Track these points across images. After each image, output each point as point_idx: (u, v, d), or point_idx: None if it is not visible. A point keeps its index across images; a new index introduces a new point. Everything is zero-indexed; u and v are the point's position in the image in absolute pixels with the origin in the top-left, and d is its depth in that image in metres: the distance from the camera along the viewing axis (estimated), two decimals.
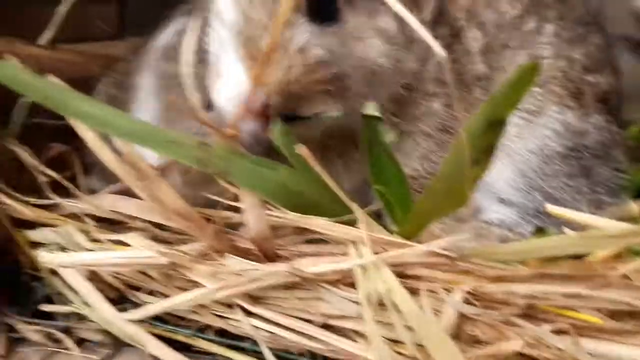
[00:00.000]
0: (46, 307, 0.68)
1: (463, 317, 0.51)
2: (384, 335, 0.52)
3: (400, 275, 0.52)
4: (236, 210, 0.62)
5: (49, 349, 0.66)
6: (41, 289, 0.70)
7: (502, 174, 0.70)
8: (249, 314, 0.59)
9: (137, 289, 0.64)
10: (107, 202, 0.64)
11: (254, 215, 0.58)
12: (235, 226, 0.65)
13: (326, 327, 0.57)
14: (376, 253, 0.53)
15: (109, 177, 0.82)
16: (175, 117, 0.68)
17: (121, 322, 0.62)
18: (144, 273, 0.62)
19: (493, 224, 0.69)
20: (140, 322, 0.62)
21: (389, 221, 0.62)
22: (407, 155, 0.67)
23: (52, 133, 0.76)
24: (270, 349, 0.58)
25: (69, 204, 0.65)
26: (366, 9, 0.64)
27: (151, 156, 0.61)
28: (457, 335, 0.51)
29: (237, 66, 0.59)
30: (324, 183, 0.58)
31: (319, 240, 0.61)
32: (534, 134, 0.71)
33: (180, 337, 0.63)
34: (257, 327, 0.58)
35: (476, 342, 0.50)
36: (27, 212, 0.66)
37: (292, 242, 0.62)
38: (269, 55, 0.56)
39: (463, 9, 0.70)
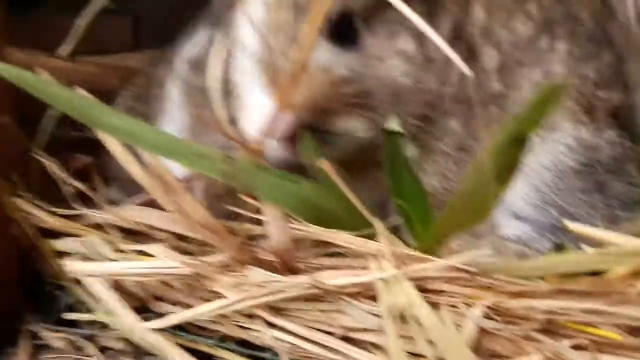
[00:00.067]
0: (70, 315, 0.69)
1: (483, 332, 0.52)
2: (404, 348, 0.53)
3: (421, 289, 0.53)
4: (257, 222, 0.63)
5: (72, 356, 0.67)
6: (64, 298, 0.71)
7: (516, 189, 0.71)
8: (270, 325, 0.60)
9: (160, 298, 0.65)
10: (132, 213, 0.66)
11: (276, 228, 0.59)
12: (255, 238, 0.66)
13: (346, 339, 0.58)
14: (397, 267, 0.54)
15: (127, 188, 0.83)
16: (202, 129, 0.70)
17: (144, 331, 0.63)
18: (166, 283, 0.63)
19: (509, 240, 0.70)
20: (162, 331, 0.63)
21: (407, 235, 0.63)
22: (424, 172, 0.68)
23: (70, 144, 0.78)
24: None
25: (94, 215, 0.66)
26: (385, 31, 0.65)
27: (176, 168, 0.62)
28: (477, 349, 0.51)
29: (262, 94, 0.61)
30: (345, 197, 0.59)
31: (338, 253, 0.62)
32: (547, 150, 0.72)
33: (201, 347, 0.64)
34: (278, 338, 0.59)
35: (496, 356, 0.51)
36: (53, 222, 0.68)
37: (312, 255, 0.63)
38: (294, 78, 0.57)
39: (478, 28, 0.71)
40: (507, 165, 0.50)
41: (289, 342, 0.59)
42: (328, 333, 0.58)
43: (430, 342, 0.51)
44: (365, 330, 0.57)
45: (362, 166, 0.68)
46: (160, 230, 0.65)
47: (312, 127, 0.61)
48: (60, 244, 0.69)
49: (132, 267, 0.61)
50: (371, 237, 0.59)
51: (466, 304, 0.53)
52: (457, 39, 0.68)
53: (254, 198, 0.60)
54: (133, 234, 0.69)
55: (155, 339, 0.63)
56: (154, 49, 1.35)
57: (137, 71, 1.12)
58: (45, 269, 0.71)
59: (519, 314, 0.52)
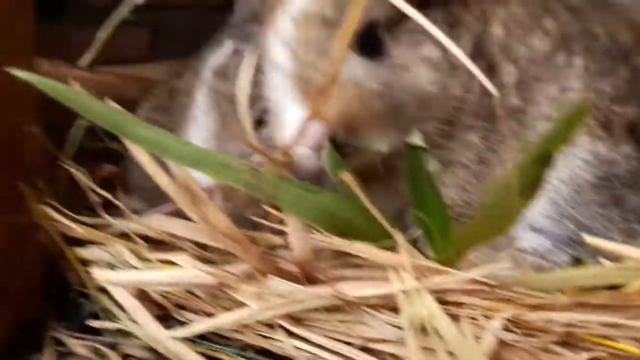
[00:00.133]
0: (94, 323, 0.70)
1: (502, 344, 0.52)
2: (424, 358, 0.54)
3: (441, 302, 0.54)
4: (278, 232, 0.65)
5: None
6: (88, 306, 0.72)
7: (534, 202, 0.72)
8: (290, 334, 0.61)
9: (183, 307, 0.66)
10: (157, 223, 0.67)
11: (298, 239, 0.60)
12: (276, 248, 0.67)
13: (365, 350, 0.59)
14: (417, 279, 0.55)
15: (147, 197, 0.85)
16: (228, 135, 0.72)
17: (167, 340, 0.64)
18: (190, 292, 0.64)
19: (527, 252, 0.71)
20: (185, 339, 0.65)
21: (426, 246, 0.64)
22: (444, 184, 0.69)
23: (89, 153, 0.79)
24: None
25: (120, 224, 0.68)
26: (409, 40, 0.67)
27: (200, 177, 0.63)
28: None
29: (295, 108, 0.62)
30: (366, 209, 0.60)
31: (357, 264, 0.63)
32: (565, 164, 0.72)
33: (222, 356, 0.65)
34: (298, 348, 0.60)
35: None
36: (79, 230, 0.69)
37: (333, 266, 0.64)
38: (325, 90, 0.58)
39: (498, 44, 0.72)
40: (531, 182, 0.51)
41: (309, 352, 0.60)
42: (348, 343, 0.59)
43: (450, 354, 0.52)
44: (384, 341, 0.58)
45: (381, 175, 0.69)
46: (184, 239, 0.66)
47: (339, 140, 0.62)
48: (86, 252, 0.70)
49: (158, 276, 0.63)
50: (391, 248, 0.60)
51: (485, 316, 0.53)
52: (478, 55, 0.70)
53: (277, 208, 0.61)
54: (156, 243, 0.70)
55: (178, 348, 0.64)
56: (170, 60, 1.38)
57: (156, 82, 1.14)
58: (71, 277, 0.73)
59: (538, 327, 0.53)
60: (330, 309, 0.59)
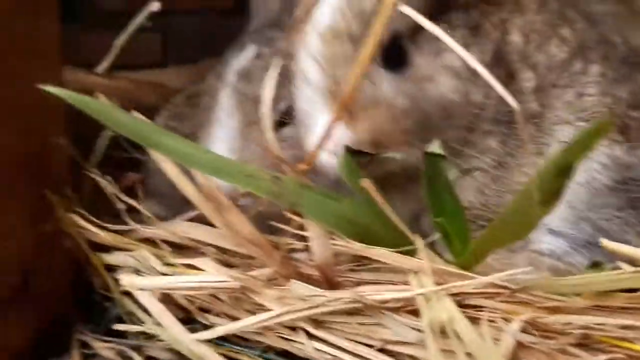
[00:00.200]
0: (119, 326, 0.72)
1: (521, 346, 0.53)
2: None
3: (461, 305, 0.55)
4: (298, 237, 0.66)
5: None
6: (113, 309, 0.74)
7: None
8: (311, 337, 0.62)
9: (206, 310, 0.68)
10: (182, 229, 0.69)
11: (319, 244, 0.62)
12: (296, 252, 0.68)
13: (385, 352, 0.60)
14: (437, 283, 0.56)
15: (167, 204, 0.87)
16: (252, 136, 0.75)
17: (191, 342, 0.65)
18: (214, 296, 0.66)
19: (544, 254, 0.72)
20: (207, 341, 0.66)
21: (444, 250, 0.65)
22: (461, 188, 0.70)
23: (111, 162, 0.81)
24: None
25: (144, 230, 0.70)
26: (431, 48, 0.68)
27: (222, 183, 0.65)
28: None
29: (323, 119, 0.64)
30: (385, 214, 0.61)
31: (375, 268, 0.64)
32: (582, 167, 0.73)
33: (244, 358, 0.67)
34: (319, 350, 0.61)
35: None
36: (105, 237, 0.71)
37: (352, 270, 0.65)
38: (352, 103, 0.60)
39: (516, 51, 0.73)
40: (552, 191, 0.52)
41: (329, 354, 0.61)
42: (368, 345, 0.60)
43: (470, 356, 0.53)
44: (403, 343, 0.59)
45: (398, 180, 0.70)
46: (208, 245, 0.67)
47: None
48: (111, 258, 0.72)
49: (183, 280, 0.64)
50: (410, 253, 0.61)
51: (504, 318, 0.54)
52: (498, 62, 0.71)
53: (298, 215, 0.62)
54: (178, 248, 0.72)
55: (201, 350, 0.65)
56: (181, 64, 1.40)
57: (171, 88, 1.16)
58: (96, 282, 0.75)
59: (556, 329, 0.53)
60: (350, 312, 0.60)
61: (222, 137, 0.77)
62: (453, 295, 0.55)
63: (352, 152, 0.63)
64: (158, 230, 0.70)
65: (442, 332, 0.55)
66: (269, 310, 0.62)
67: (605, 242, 0.58)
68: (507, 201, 0.70)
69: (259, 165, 0.65)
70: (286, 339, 0.63)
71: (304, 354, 0.63)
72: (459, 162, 0.69)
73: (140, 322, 0.71)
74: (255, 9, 0.94)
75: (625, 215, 0.73)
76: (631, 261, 0.58)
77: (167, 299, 0.68)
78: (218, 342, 0.66)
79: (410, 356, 0.59)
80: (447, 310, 0.54)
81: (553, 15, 0.75)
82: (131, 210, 0.74)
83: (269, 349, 0.66)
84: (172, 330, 0.66)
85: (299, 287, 0.62)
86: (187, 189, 0.63)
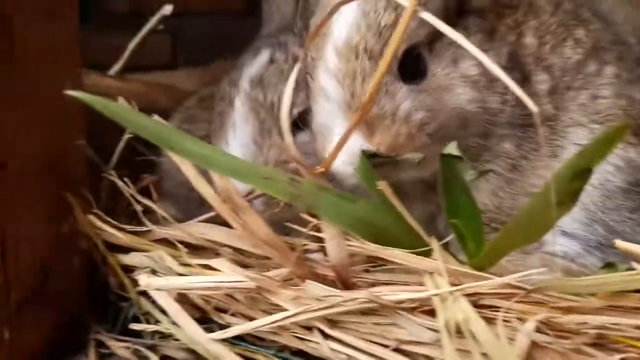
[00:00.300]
0: (135, 326, 0.73)
1: (535, 346, 0.54)
2: None
3: (476, 305, 0.56)
4: (312, 237, 0.67)
5: None
6: (129, 309, 0.75)
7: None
8: (327, 336, 0.62)
9: (221, 310, 0.68)
10: (198, 230, 0.70)
11: (335, 245, 0.62)
12: (310, 252, 0.69)
13: (400, 352, 0.60)
14: (452, 284, 0.57)
15: (179, 204, 0.88)
16: (267, 142, 0.77)
17: (207, 342, 0.66)
18: (230, 296, 0.66)
19: (557, 256, 0.72)
20: (223, 341, 0.67)
21: (458, 251, 0.65)
22: (477, 190, 0.70)
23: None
24: None
25: (161, 231, 0.70)
26: (449, 55, 0.68)
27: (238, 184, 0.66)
28: None
29: (341, 132, 0.64)
30: (400, 216, 0.62)
31: (390, 269, 0.65)
32: (596, 170, 0.73)
33: (259, 357, 0.67)
34: (334, 350, 0.62)
35: None
36: (122, 238, 0.72)
37: (366, 270, 0.66)
38: (368, 113, 0.61)
39: (531, 54, 0.74)
40: (569, 194, 0.53)
41: (345, 354, 0.62)
42: (382, 345, 0.61)
43: (485, 356, 0.54)
44: (418, 343, 0.59)
45: (414, 183, 0.71)
46: (225, 245, 0.68)
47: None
48: (128, 259, 0.73)
49: (199, 281, 0.65)
50: (425, 254, 0.61)
51: (519, 319, 0.55)
52: (513, 65, 0.71)
53: (314, 216, 0.63)
54: (195, 249, 0.73)
55: (217, 350, 0.66)
56: (191, 66, 1.41)
57: (181, 89, 1.17)
58: (112, 282, 0.75)
59: (571, 329, 0.54)
60: (365, 312, 0.61)
61: (237, 143, 0.78)
62: (468, 295, 0.56)
63: (370, 156, 0.64)
64: (174, 231, 0.70)
65: (457, 332, 0.55)
66: (284, 310, 0.63)
67: (619, 243, 0.58)
68: (521, 204, 0.70)
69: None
70: (301, 338, 0.64)
71: (319, 354, 0.63)
72: (474, 165, 0.69)
73: (156, 321, 0.71)
74: (268, 13, 0.95)
75: (638, 217, 0.74)
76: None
77: (183, 299, 0.69)
78: (234, 342, 0.66)
79: (425, 356, 0.59)
80: (462, 311, 0.54)
81: (567, 17, 0.76)
82: (146, 211, 0.75)
83: (284, 348, 0.66)
84: (188, 329, 0.67)
85: (314, 288, 0.63)
86: (205, 190, 0.63)
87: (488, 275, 0.58)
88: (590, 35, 0.75)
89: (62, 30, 0.70)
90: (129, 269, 0.74)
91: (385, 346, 0.60)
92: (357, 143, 0.64)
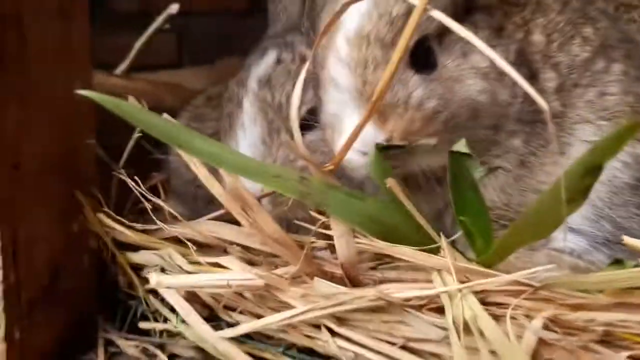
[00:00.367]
0: (143, 325, 0.73)
1: (543, 343, 0.54)
2: (467, 357, 0.56)
3: (484, 302, 0.56)
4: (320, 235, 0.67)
5: None
6: (138, 307, 0.75)
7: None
8: (334, 334, 0.63)
9: (230, 308, 0.69)
10: (207, 228, 0.70)
11: (343, 243, 0.63)
12: (317, 250, 0.69)
13: (407, 349, 0.60)
14: (460, 281, 0.57)
15: (186, 202, 0.88)
16: (275, 142, 0.77)
17: (216, 340, 0.67)
18: (239, 294, 0.67)
19: (564, 252, 0.72)
20: (232, 339, 0.67)
21: (466, 248, 0.65)
22: (485, 187, 0.70)
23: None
24: None
25: (170, 229, 0.71)
26: (458, 49, 0.68)
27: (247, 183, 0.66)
28: (537, 359, 0.54)
29: (353, 121, 0.64)
30: (409, 213, 0.62)
31: (398, 266, 0.65)
32: None
33: (267, 355, 0.68)
34: (342, 347, 0.62)
35: None
36: (132, 236, 0.72)
37: (374, 268, 0.66)
38: (381, 101, 0.61)
39: (539, 52, 0.74)
40: (579, 191, 0.53)
41: (352, 352, 0.62)
42: (390, 343, 0.61)
43: (493, 353, 0.54)
44: (426, 340, 0.59)
45: (421, 178, 0.71)
46: (234, 243, 0.69)
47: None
48: (137, 257, 0.73)
49: (208, 279, 0.65)
50: (433, 251, 0.62)
51: (527, 315, 0.55)
52: (521, 62, 0.71)
53: (323, 214, 0.63)
54: (204, 247, 0.73)
55: (226, 347, 0.66)
56: (196, 65, 1.41)
57: (187, 88, 1.17)
58: (121, 280, 0.76)
59: (578, 326, 0.54)
60: (373, 310, 0.61)
61: (246, 143, 0.78)
62: (476, 293, 0.56)
63: (383, 148, 0.64)
64: (183, 229, 0.71)
65: (465, 330, 0.56)
66: (292, 307, 0.63)
67: (627, 239, 0.58)
68: (529, 200, 0.71)
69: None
70: (309, 336, 0.64)
71: (327, 351, 0.64)
72: (483, 161, 0.69)
73: (164, 320, 0.72)
74: (274, 13, 0.95)
75: None
76: None
77: (192, 297, 0.69)
78: (242, 340, 0.67)
79: (433, 354, 0.59)
80: (470, 308, 0.55)
81: (575, 15, 0.76)
82: (154, 209, 0.75)
83: (292, 346, 0.67)
84: (197, 327, 0.67)
85: (322, 285, 0.63)
86: (215, 188, 0.64)
87: (496, 273, 0.58)
88: (598, 33, 0.75)
89: (73, 30, 0.70)
90: (138, 268, 0.74)
91: (393, 344, 0.60)
92: (370, 131, 0.64)
